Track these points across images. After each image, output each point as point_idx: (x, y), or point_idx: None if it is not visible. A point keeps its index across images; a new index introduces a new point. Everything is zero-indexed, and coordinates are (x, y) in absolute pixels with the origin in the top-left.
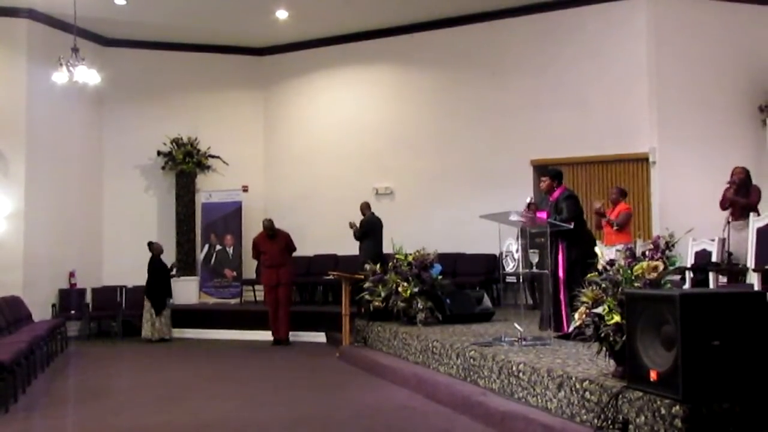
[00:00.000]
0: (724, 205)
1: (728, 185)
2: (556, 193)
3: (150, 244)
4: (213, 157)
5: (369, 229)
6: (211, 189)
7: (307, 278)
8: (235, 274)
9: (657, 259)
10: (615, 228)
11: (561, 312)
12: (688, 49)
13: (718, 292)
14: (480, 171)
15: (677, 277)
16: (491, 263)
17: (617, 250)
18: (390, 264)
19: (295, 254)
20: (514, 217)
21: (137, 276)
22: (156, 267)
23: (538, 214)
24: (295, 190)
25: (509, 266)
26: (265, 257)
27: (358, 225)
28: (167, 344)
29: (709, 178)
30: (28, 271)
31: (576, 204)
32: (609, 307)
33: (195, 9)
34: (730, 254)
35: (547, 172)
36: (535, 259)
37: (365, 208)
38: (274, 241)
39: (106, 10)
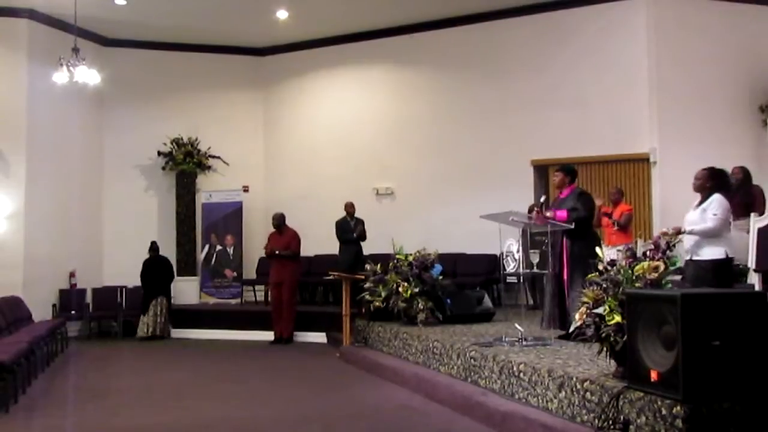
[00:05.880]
0: None
1: None
2: (567, 191)
3: (156, 244)
4: (213, 157)
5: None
6: (211, 189)
7: (307, 278)
8: (235, 274)
9: (658, 260)
10: (616, 228)
11: (567, 310)
12: (688, 49)
13: (719, 292)
14: (480, 171)
15: (678, 278)
16: (492, 263)
17: (618, 251)
18: (390, 264)
19: None
20: (517, 218)
21: (137, 276)
22: (166, 265)
23: (558, 213)
24: (295, 190)
25: (510, 266)
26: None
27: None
28: (168, 344)
29: None
30: (28, 271)
31: (591, 201)
32: (610, 307)
33: (195, 9)
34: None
35: (562, 168)
36: (535, 259)
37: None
38: (281, 236)
39: (106, 10)
